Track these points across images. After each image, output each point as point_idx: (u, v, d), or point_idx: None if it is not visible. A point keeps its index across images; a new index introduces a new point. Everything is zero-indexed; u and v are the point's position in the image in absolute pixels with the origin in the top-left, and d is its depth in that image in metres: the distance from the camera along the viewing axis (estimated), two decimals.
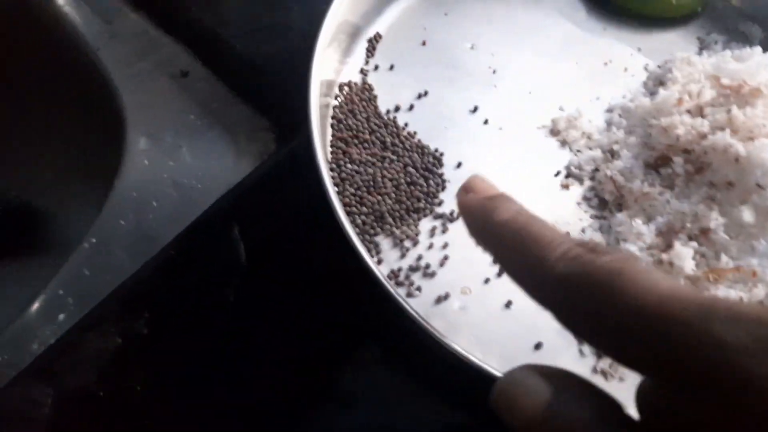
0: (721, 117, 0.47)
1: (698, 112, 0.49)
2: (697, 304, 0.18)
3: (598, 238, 0.49)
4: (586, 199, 0.52)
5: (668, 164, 0.49)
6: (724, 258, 0.44)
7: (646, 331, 0.18)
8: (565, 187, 0.52)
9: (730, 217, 0.44)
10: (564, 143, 0.54)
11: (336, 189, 0.49)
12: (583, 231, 0.50)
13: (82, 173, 0.71)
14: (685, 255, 0.44)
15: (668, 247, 0.45)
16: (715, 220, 0.44)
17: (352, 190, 0.49)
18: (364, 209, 0.48)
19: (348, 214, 0.48)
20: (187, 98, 0.61)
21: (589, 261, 0.21)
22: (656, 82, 0.56)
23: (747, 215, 0.43)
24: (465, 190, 0.30)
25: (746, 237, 0.44)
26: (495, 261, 0.29)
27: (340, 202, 0.43)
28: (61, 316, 0.52)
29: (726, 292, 0.43)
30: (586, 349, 0.46)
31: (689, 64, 0.54)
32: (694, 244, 0.44)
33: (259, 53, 0.58)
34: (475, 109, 0.54)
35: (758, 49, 0.52)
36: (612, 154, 0.52)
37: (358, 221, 0.48)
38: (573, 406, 0.19)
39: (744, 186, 0.44)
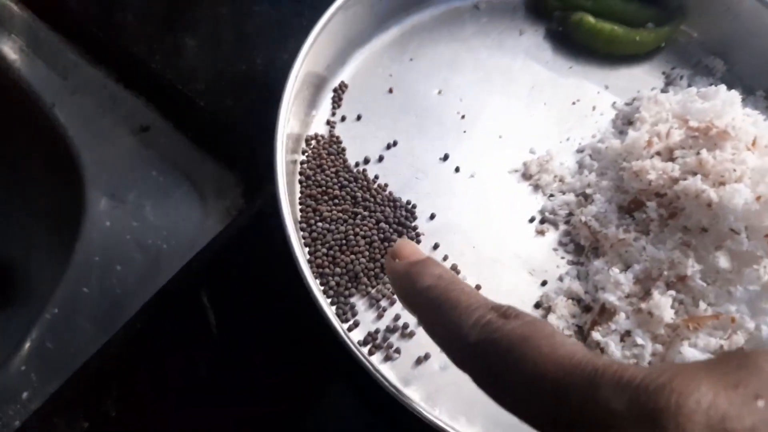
0: (691, 160, 0.46)
1: (668, 154, 0.49)
2: (588, 370, 0.20)
3: (576, 286, 0.48)
4: (562, 244, 0.51)
5: (642, 209, 0.48)
6: (702, 305, 0.43)
7: (544, 395, 0.20)
8: (541, 233, 0.51)
9: (706, 264, 0.44)
10: (537, 187, 0.53)
11: (308, 250, 0.48)
12: (561, 279, 0.49)
13: (46, 232, 0.69)
14: (663, 304, 0.43)
15: (647, 295, 0.45)
16: (692, 267, 0.44)
17: (325, 250, 0.48)
18: (338, 270, 0.47)
19: (321, 275, 0.47)
20: (150, 154, 0.59)
21: (499, 327, 0.23)
22: (625, 120, 0.56)
23: (723, 261, 0.43)
24: (392, 256, 0.31)
25: (723, 283, 0.44)
26: (419, 325, 0.31)
27: (310, 268, 0.42)
28: (25, 395, 0.49)
29: (706, 339, 0.43)
30: None
31: (656, 102, 0.54)
32: (672, 292, 0.44)
33: (222, 107, 0.57)
34: (446, 157, 0.53)
35: (723, 87, 0.52)
36: (585, 198, 0.52)
37: (332, 283, 0.47)
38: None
39: (718, 231, 0.44)
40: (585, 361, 0.20)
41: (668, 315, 0.43)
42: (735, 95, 0.52)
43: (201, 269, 0.50)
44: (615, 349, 0.44)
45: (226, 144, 0.58)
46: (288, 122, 0.50)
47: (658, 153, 0.50)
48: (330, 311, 0.40)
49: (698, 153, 0.46)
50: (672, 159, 0.48)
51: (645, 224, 0.48)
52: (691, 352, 0.42)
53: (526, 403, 0.21)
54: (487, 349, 0.23)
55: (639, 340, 0.43)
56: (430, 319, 0.27)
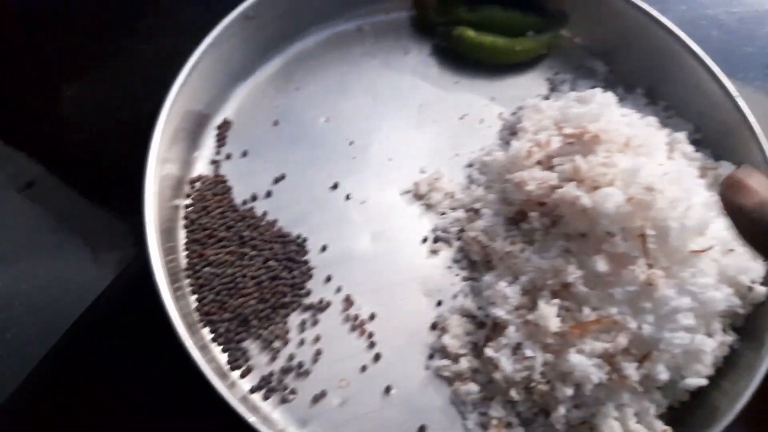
0: (567, 167, 0.47)
1: (548, 163, 0.50)
2: None
3: (468, 303, 0.48)
4: (456, 261, 0.51)
5: (527, 219, 0.49)
6: (586, 310, 0.44)
7: None
8: (434, 252, 0.51)
9: (586, 269, 0.45)
10: (429, 206, 0.53)
11: (196, 297, 0.47)
12: (455, 296, 0.49)
13: None
14: (548, 314, 0.44)
15: (534, 305, 0.45)
16: (573, 273, 0.44)
17: (213, 296, 0.47)
18: (227, 315, 0.46)
19: (210, 323, 0.46)
20: (38, 211, 0.57)
21: None
22: (510, 131, 0.56)
23: (600, 265, 0.44)
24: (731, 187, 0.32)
25: (604, 286, 0.44)
26: None
27: (184, 323, 0.41)
28: None
29: (592, 344, 0.43)
30: (470, 423, 0.45)
31: (538, 111, 0.55)
32: (557, 300, 0.44)
33: (106, 156, 0.55)
34: (335, 185, 0.53)
35: (598, 90, 0.53)
36: (475, 213, 0.52)
37: (222, 329, 0.46)
38: None
39: (595, 236, 0.45)
40: None
41: (554, 324, 0.43)
42: (610, 97, 0.53)
43: (89, 327, 0.48)
44: (506, 363, 0.44)
45: (115, 193, 0.56)
46: (164, 165, 0.49)
47: (539, 162, 0.50)
48: (206, 366, 0.39)
49: (573, 160, 0.47)
50: (551, 167, 0.49)
51: (530, 234, 0.48)
52: (577, 359, 0.42)
53: None
54: None
55: (528, 352, 0.44)
56: None
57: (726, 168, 0.52)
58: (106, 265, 0.55)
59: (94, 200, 0.57)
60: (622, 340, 0.43)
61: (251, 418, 0.38)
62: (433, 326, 0.48)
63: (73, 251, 0.56)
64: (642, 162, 0.45)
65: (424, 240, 0.52)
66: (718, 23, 0.67)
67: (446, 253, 0.51)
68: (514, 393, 0.44)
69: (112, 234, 0.57)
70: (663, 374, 0.43)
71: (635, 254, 0.44)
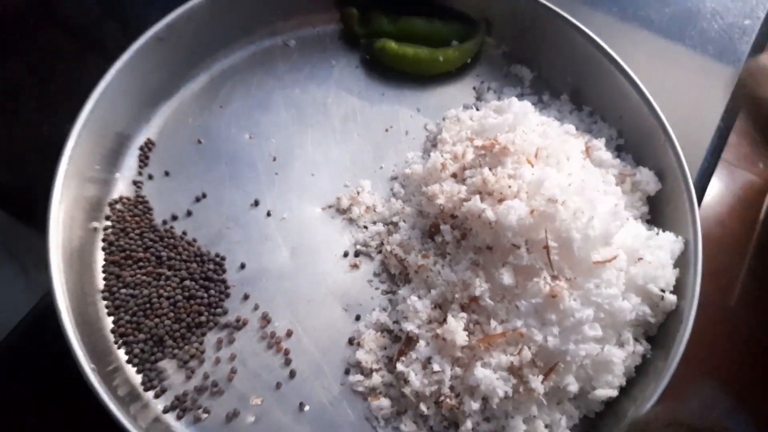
0: (477, 180, 0.47)
1: (462, 175, 0.50)
2: None
3: (384, 318, 0.48)
4: (376, 275, 0.51)
5: (440, 232, 0.49)
6: (493, 323, 0.44)
7: None
8: (355, 266, 0.52)
9: (493, 282, 0.45)
10: (351, 220, 0.53)
11: (112, 319, 0.47)
12: (374, 310, 0.50)
13: None
14: (455, 328, 0.44)
15: (445, 319, 0.45)
16: (480, 287, 0.45)
17: (128, 317, 0.47)
18: (141, 336, 0.46)
19: (126, 344, 0.46)
20: None
21: None
22: (433, 143, 0.56)
23: (506, 278, 0.44)
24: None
25: (511, 299, 0.45)
26: None
27: (84, 351, 0.41)
28: None
29: (498, 358, 0.43)
30: None
31: (458, 121, 0.55)
32: (464, 314, 0.45)
33: (27, 176, 0.56)
34: (256, 202, 0.53)
35: (514, 99, 0.53)
36: (394, 226, 0.52)
37: (137, 350, 0.46)
38: None
39: (502, 248, 0.45)
40: None
41: (461, 338, 0.44)
42: (527, 105, 0.53)
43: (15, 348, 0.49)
44: (415, 378, 0.44)
45: (43, 213, 0.56)
46: (84, 186, 0.49)
47: (454, 174, 0.50)
48: (107, 394, 0.40)
49: (482, 173, 0.47)
50: (463, 180, 0.49)
51: (443, 248, 0.49)
52: (483, 373, 0.43)
53: None
54: None
55: (436, 367, 0.44)
56: None
57: (644, 174, 0.52)
58: (35, 286, 0.56)
59: (21, 221, 0.57)
60: (527, 353, 0.43)
61: None
62: (350, 341, 0.48)
63: (2, 273, 0.57)
64: (547, 173, 0.46)
65: (345, 254, 0.52)
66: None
67: (367, 267, 0.52)
68: (423, 407, 0.44)
69: (42, 254, 0.57)
70: (572, 386, 0.43)
71: (540, 266, 0.44)
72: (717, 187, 1.28)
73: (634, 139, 0.55)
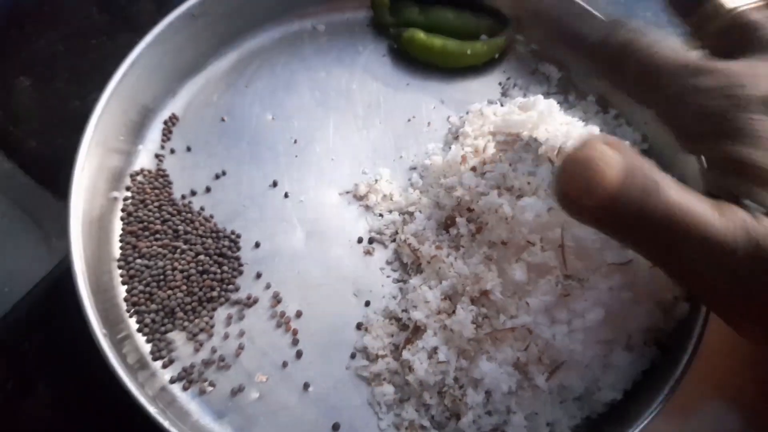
0: (496, 174, 0.47)
1: (482, 169, 0.50)
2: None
3: (393, 305, 0.49)
4: (389, 263, 0.52)
5: (455, 224, 0.49)
6: (502, 318, 0.44)
7: None
8: (368, 253, 0.52)
9: (505, 277, 0.45)
10: (367, 208, 0.54)
11: (126, 288, 0.48)
12: (383, 297, 0.50)
13: None
14: (464, 320, 0.44)
15: (455, 311, 0.45)
16: (492, 281, 0.45)
17: (141, 287, 0.48)
18: (153, 306, 0.47)
19: (137, 313, 0.47)
20: None
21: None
22: (455, 135, 0.56)
23: (519, 274, 0.44)
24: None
25: (522, 295, 0.44)
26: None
27: (97, 314, 0.42)
28: None
29: (504, 352, 0.43)
30: (384, 424, 0.45)
31: (481, 116, 0.55)
32: (474, 307, 0.45)
33: (55, 145, 0.57)
34: (275, 183, 0.53)
35: (540, 97, 0.53)
36: (410, 216, 0.53)
37: (148, 320, 0.47)
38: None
39: (516, 244, 0.45)
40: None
41: (468, 330, 0.44)
42: (552, 104, 0.52)
43: (31, 311, 0.50)
44: (420, 366, 0.44)
45: (66, 181, 0.57)
46: (110, 157, 0.50)
47: (473, 168, 0.50)
48: (116, 360, 0.40)
49: (503, 167, 0.47)
50: (483, 174, 0.49)
51: (457, 240, 0.49)
52: (488, 366, 0.43)
53: None
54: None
55: (442, 357, 0.44)
56: None
57: None
58: (58, 252, 0.57)
59: (46, 188, 0.58)
60: (534, 350, 0.43)
61: (151, 408, 0.39)
62: (358, 326, 0.49)
63: (25, 238, 0.58)
64: None
65: (359, 240, 0.52)
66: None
67: (380, 255, 0.52)
68: (427, 396, 0.44)
69: (64, 221, 0.58)
70: (577, 386, 0.43)
71: (553, 264, 0.44)
72: None
73: (658, 145, 0.54)
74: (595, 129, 0.53)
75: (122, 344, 0.45)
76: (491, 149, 0.50)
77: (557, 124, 0.51)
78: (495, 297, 0.45)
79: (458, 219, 0.48)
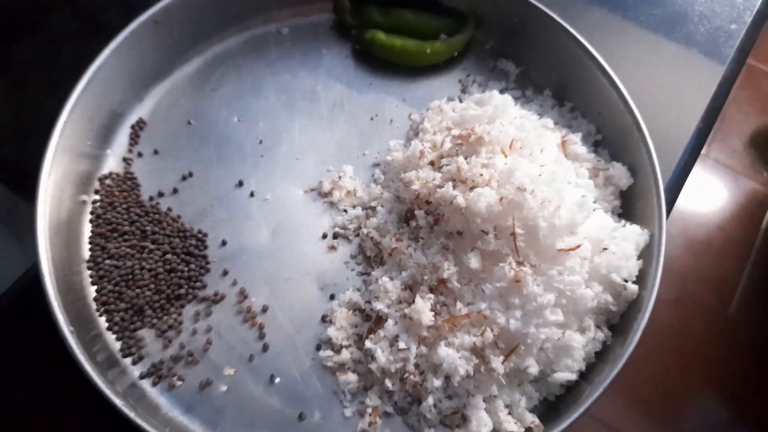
0: (452, 168, 0.49)
1: (439, 163, 0.51)
2: None
3: (356, 297, 0.50)
4: (353, 257, 0.53)
5: (415, 217, 0.50)
6: (459, 305, 0.46)
7: None
8: (333, 248, 0.53)
9: (461, 266, 0.47)
10: (332, 204, 0.55)
11: (95, 288, 0.49)
12: (348, 290, 0.51)
13: None
14: (422, 308, 0.45)
15: (414, 300, 0.47)
16: (448, 270, 0.46)
17: (111, 287, 0.49)
18: (122, 305, 0.48)
19: (107, 312, 0.48)
20: None
21: None
22: (416, 132, 0.58)
23: (473, 262, 0.46)
24: None
25: (477, 282, 0.46)
26: None
27: (66, 317, 0.43)
28: None
29: (462, 338, 0.45)
30: (348, 412, 0.47)
31: (440, 112, 0.57)
32: (432, 295, 0.46)
33: (27, 151, 0.58)
34: (241, 183, 0.55)
35: (495, 92, 0.55)
36: (372, 210, 0.54)
37: (117, 318, 0.48)
38: None
39: (471, 234, 0.47)
40: None
41: (427, 318, 0.45)
42: (507, 99, 0.54)
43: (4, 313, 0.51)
44: (381, 355, 0.46)
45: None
46: (78, 161, 0.51)
47: (431, 162, 0.52)
48: (84, 357, 0.42)
49: (457, 161, 0.49)
50: (439, 168, 0.51)
51: (417, 232, 0.50)
52: (446, 352, 0.44)
53: None
54: None
55: (402, 344, 0.46)
56: None
57: (617, 169, 0.53)
58: (32, 256, 0.58)
59: (18, 193, 0.59)
60: (489, 335, 0.44)
61: (117, 401, 0.40)
62: (323, 319, 0.50)
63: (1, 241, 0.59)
64: (519, 163, 0.47)
65: (324, 236, 0.54)
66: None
67: (344, 249, 0.53)
68: (389, 383, 0.46)
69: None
70: (533, 368, 0.45)
71: (506, 252, 0.46)
72: (720, 194, 1.28)
73: (611, 136, 0.56)
74: (549, 122, 0.55)
75: (93, 343, 0.46)
76: (448, 144, 0.52)
77: (511, 118, 0.53)
78: (452, 285, 0.46)
79: (417, 212, 0.50)
